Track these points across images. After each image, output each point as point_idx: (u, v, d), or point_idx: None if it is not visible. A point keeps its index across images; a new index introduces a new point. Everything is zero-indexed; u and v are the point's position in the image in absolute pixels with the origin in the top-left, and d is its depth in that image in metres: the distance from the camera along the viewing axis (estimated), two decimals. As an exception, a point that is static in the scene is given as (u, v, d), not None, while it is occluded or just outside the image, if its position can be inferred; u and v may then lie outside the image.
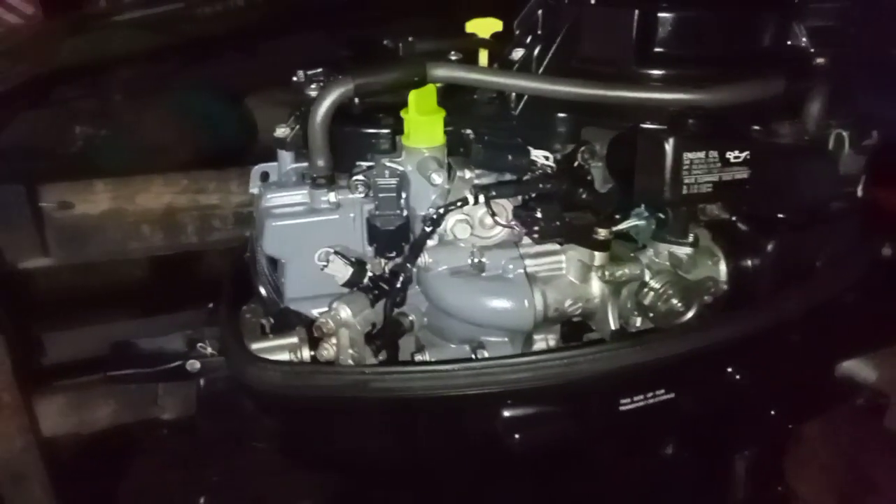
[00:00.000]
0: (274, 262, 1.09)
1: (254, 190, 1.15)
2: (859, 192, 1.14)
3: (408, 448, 1.03)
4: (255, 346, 1.07)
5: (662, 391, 1.04)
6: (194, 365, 1.13)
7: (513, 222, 0.98)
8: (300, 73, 1.10)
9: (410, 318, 1.09)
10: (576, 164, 1.07)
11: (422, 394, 0.96)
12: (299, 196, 1.04)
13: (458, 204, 0.96)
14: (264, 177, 1.17)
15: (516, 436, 0.98)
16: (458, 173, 0.97)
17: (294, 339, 1.06)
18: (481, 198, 0.97)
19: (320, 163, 1.00)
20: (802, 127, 1.04)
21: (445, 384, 0.96)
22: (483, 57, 1.20)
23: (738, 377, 1.07)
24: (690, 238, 1.04)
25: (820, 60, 1.07)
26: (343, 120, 1.02)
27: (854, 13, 1.14)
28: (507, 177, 1.01)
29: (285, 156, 1.12)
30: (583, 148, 1.07)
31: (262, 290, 1.14)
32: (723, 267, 1.07)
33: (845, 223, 1.13)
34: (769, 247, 1.05)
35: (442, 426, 1.02)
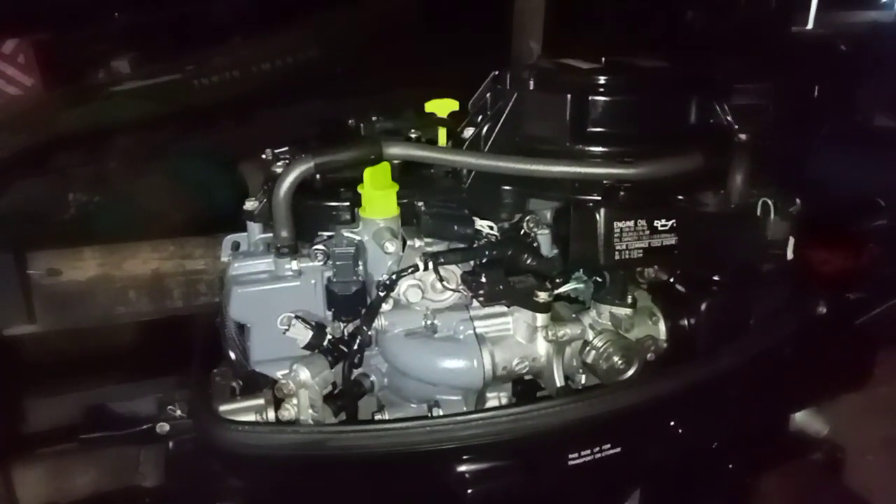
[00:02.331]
0: (241, 327, 1.16)
1: (225, 258, 1.22)
2: (789, 255, 1.22)
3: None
4: (223, 407, 1.13)
5: (609, 445, 1.09)
6: (164, 427, 1.19)
7: (460, 287, 1.06)
8: (268, 151, 1.19)
9: (371, 378, 1.16)
10: (522, 231, 1.16)
11: (377, 451, 1.02)
12: (264, 264, 1.11)
13: (410, 270, 1.04)
14: (235, 246, 1.25)
15: (469, 491, 1.03)
16: (409, 242, 1.06)
17: (261, 401, 1.11)
18: (430, 264, 1.04)
19: (283, 233, 1.09)
20: (727, 196, 1.12)
21: (399, 441, 1.02)
22: (442, 134, 1.30)
23: (679, 430, 1.13)
24: (629, 300, 1.12)
25: (742, 136, 1.17)
26: (306, 194, 1.10)
27: (774, 92, 1.25)
28: (457, 245, 1.09)
29: (254, 227, 1.20)
30: (528, 217, 1.16)
31: (232, 354, 1.20)
32: (662, 326, 1.15)
33: (776, 283, 1.21)
34: (703, 306, 1.13)
35: (399, 482, 1.07)
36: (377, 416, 1.14)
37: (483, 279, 1.04)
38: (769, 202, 1.17)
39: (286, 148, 1.17)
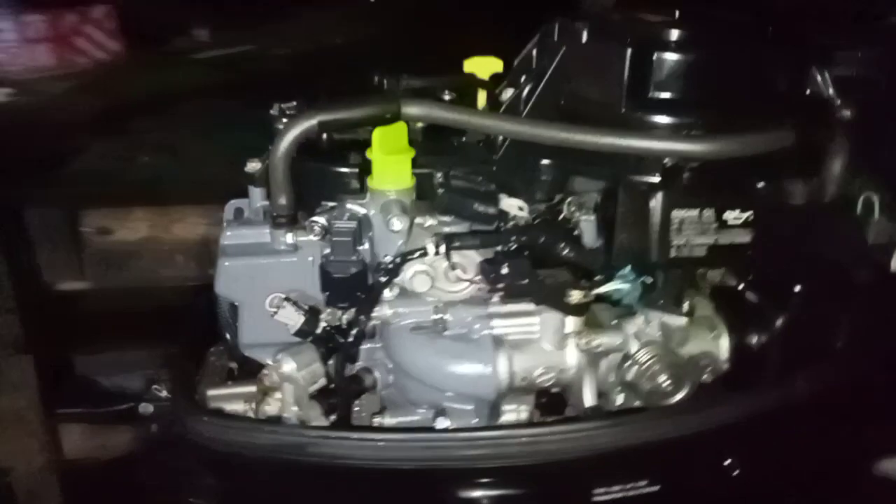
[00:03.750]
0: (234, 306, 1.02)
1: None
2: (893, 265, 0.99)
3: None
4: (211, 392, 1.01)
5: (645, 483, 0.90)
6: (147, 408, 1.07)
7: (477, 278, 0.88)
8: (276, 105, 1.04)
9: (375, 375, 1.00)
10: (561, 216, 0.97)
11: (364, 464, 0.87)
12: (259, 235, 0.97)
13: (417, 254, 0.87)
14: (238, 213, 1.11)
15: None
16: (418, 220, 0.89)
17: (252, 389, 0.98)
18: (443, 248, 0.87)
19: (281, 201, 0.93)
20: (821, 187, 0.90)
21: (390, 455, 0.86)
22: (482, 98, 1.12)
23: (736, 471, 0.93)
24: (685, 307, 0.92)
25: (846, 113, 0.94)
26: (314, 157, 0.95)
27: (888, 63, 1.01)
28: (477, 227, 0.92)
29: (256, 192, 1.05)
30: (570, 199, 0.97)
31: (226, 335, 1.07)
32: (724, 342, 0.94)
33: (875, 299, 0.98)
34: (778, 322, 0.92)
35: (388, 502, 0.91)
36: (376, 420, 0.98)
37: (504, 270, 0.85)
38: (873, 197, 0.95)
39: (294, 103, 1.02)
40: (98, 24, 4.75)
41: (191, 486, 0.98)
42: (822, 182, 0.91)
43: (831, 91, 0.97)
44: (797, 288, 0.94)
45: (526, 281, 0.86)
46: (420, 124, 1.02)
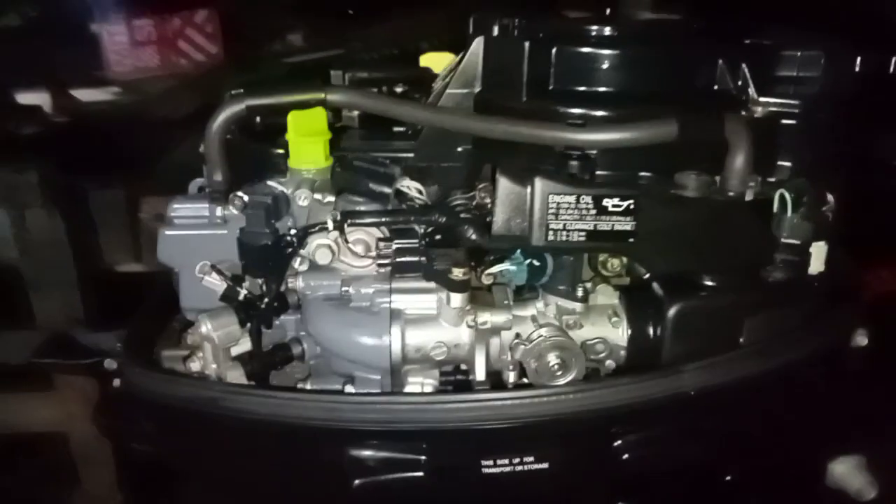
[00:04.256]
0: (182, 273, 1.12)
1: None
2: (814, 265, 0.98)
3: (257, 472, 1.00)
4: (164, 353, 1.11)
5: (531, 459, 0.93)
6: (111, 364, 1.18)
7: (370, 253, 0.94)
8: (227, 93, 1.13)
9: (304, 346, 1.07)
10: (474, 202, 1.01)
11: (269, 419, 0.94)
12: (202, 209, 1.06)
13: (317, 228, 0.94)
14: (200, 190, 1.21)
15: (356, 481, 0.92)
16: (317, 196, 0.95)
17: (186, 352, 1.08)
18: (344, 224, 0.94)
19: (216, 177, 1.03)
20: (722, 181, 0.91)
21: (288, 413, 0.93)
22: (435, 91, 1.18)
23: (625, 455, 0.94)
24: (579, 293, 0.95)
25: (756, 109, 0.94)
26: (245, 138, 1.04)
27: (832, 64, 1.00)
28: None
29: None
30: (481, 185, 1.01)
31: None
32: (623, 330, 0.96)
33: (788, 298, 0.97)
34: (671, 311, 0.92)
35: (291, 456, 0.98)
36: (299, 385, 1.06)
37: (392, 246, 0.91)
38: (787, 196, 0.94)
39: (241, 90, 1.10)
40: (199, 28, 5.09)
41: (133, 433, 1.09)
42: (722, 177, 0.92)
43: (750, 88, 0.97)
44: (709, 283, 0.95)
45: (414, 259, 0.91)
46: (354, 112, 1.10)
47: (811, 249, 0.97)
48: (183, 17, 5.01)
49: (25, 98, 3.83)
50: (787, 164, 1.00)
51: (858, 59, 1.01)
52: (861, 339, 1.04)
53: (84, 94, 4.10)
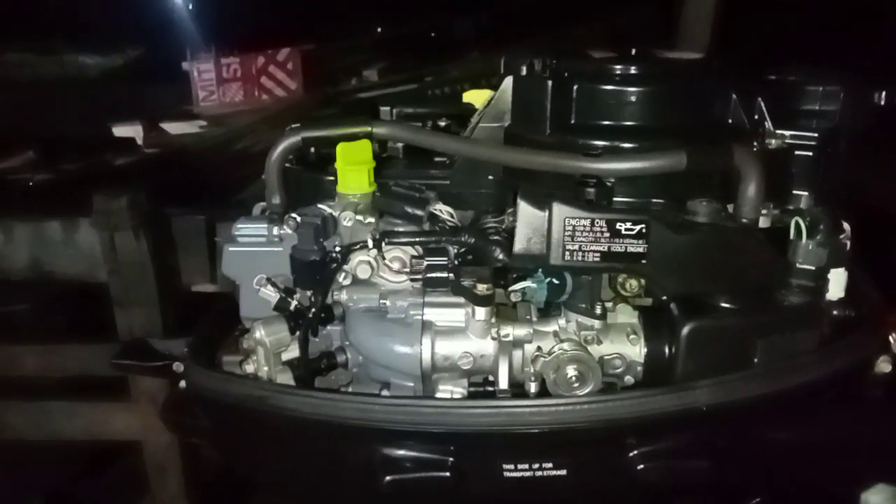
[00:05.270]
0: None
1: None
2: (832, 292, 1.02)
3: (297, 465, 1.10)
4: (225, 357, 1.23)
5: (550, 465, 1.00)
6: (179, 367, 1.31)
7: (405, 269, 1.04)
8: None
9: (347, 354, 1.17)
10: (504, 226, 1.10)
11: (309, 418, 1.04)
12: (262, 229, 1.19)
13: (358, 246, 1.04)
14: (263, 212, 1.34)
15: (387, 478, 1.01)
16: (359, 217, 1.06)
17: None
18: (382, 243, 1.04)
19: (274, 200, 1.15)
20: (736, 209, 0.97)
21: (326, 413, 1.02)
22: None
23: (640, 465, 0.99)
24: (598, 310, 1.02)
25: (772, 141, 0.99)
26: (301, 166, 1.16)
27: (841, 98, 1.05)
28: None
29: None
30: (510, 210, 1.10)
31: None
32: (640, 347, 1.02)
33: (803, 322, 1.01)
34: (685, 330, 0.98)
35: (329, 453, 1.07)
36: (342, 390, 1.15)
37: (424, 263, 1.01)
38: (802, 223, 0.99)
39: (298, 125, 1.23)
40: (281, 66, 5.42)
41: (192, 429, 1.21)
42: (736, 204, 0.97)
43: (766, 121, 1.03)
44: (725, 305, 1.01)
45: (441, 275, 1.00)
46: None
47: (830, 276, 1.01)
48: (266, 56, 5.36)
49: (121, 131, 4.17)
50: (804, 193, 1.05)
51: (876, 94, 1.05)
52: (884, 366, 1.06)
53: (173, 128, 4.42)
